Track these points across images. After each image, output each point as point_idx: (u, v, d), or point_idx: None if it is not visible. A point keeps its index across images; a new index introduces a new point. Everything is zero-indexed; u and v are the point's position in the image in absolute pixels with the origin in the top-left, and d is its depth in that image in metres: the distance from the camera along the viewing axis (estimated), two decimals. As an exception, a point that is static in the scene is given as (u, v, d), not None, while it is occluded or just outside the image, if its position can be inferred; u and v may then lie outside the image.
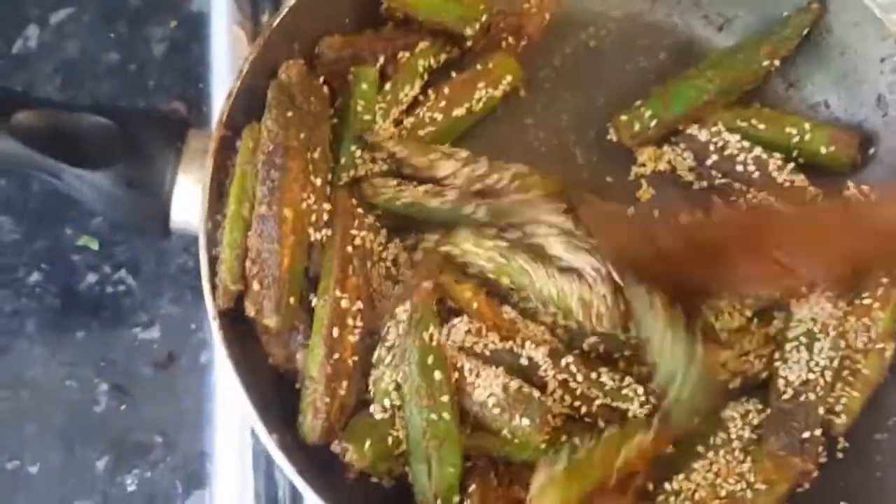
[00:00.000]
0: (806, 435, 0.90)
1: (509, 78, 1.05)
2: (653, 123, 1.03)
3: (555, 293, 0.92)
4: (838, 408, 0.94)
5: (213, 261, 0.87)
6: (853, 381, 0.95)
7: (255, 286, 0.86)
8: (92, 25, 1.24)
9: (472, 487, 0.86)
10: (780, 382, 0.93)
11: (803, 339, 0.93)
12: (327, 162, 0.94)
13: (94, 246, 1.11)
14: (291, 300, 0.88)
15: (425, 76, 1.04)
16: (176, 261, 1.11)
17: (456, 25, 1.03)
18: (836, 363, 0.94)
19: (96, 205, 0.91)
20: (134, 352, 1.07)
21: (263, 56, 0.95)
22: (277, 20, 0.96)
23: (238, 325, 0.87)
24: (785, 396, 0.92)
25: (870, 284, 0.97)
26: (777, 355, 0.95)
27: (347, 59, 1.00)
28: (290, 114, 0.91)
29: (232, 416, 1.03)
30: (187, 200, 0.90)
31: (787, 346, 0.94)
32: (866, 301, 0.96)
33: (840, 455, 0.95)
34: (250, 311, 0.87)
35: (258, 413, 0.82)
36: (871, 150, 1.03)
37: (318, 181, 0.92)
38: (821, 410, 0.92)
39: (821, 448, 0.91)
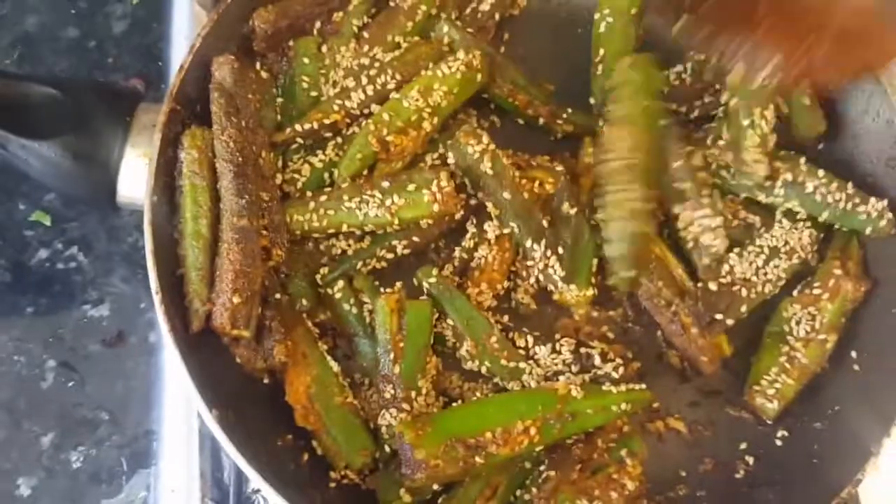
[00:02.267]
0: (718, 317, 0.96)
1: (423, 7, 1.04)
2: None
3: (387, 213, 0.94)
4: (771, 392, 0.95)
5: (159, 236, 0.87)
6: (789, 369, 0.96)
7: (236, 299, 0.86)
8: (53, 0, 1.23)
9: (551, 474, 0.89)
10: (724, 267, 0.98)
11: (766, 250, 0.98)
12: (273, 165, 0.96)
13: (47, 221, 1.11)
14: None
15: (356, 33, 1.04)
16: (127, 239, 1.10)
17: None
18: (779, 287, 0.98)
19: (43, 176, 0.90)
20: (83, 329, 1.07)
21: (217, 31, 0.95)
22: (231, -2, 0.96)
23: (180, 301, 0.87)
24: (722, 280, 0.97)
25: (821, 274, 0.98)
26: (736, 249, 0.99)
27: (285, 30, 1.00)
28: (235, 119, 0.91)
29: (179, 397, 1.03)
30: (134, 174, 0.90)
31: (750, 247, 0.99)
32: (816, 291, 0.98)
33: (779, 443, 0.96)
34: (226, 325, 0.86)
35: (198, 388, 0.81)
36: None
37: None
38: (743, 309, 0.97)
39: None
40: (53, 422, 1.03)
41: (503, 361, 0.94)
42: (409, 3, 1.03)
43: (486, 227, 0.98)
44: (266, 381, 0.92)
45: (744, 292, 0.97)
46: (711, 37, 0.93)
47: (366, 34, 1.02)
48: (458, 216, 0.98)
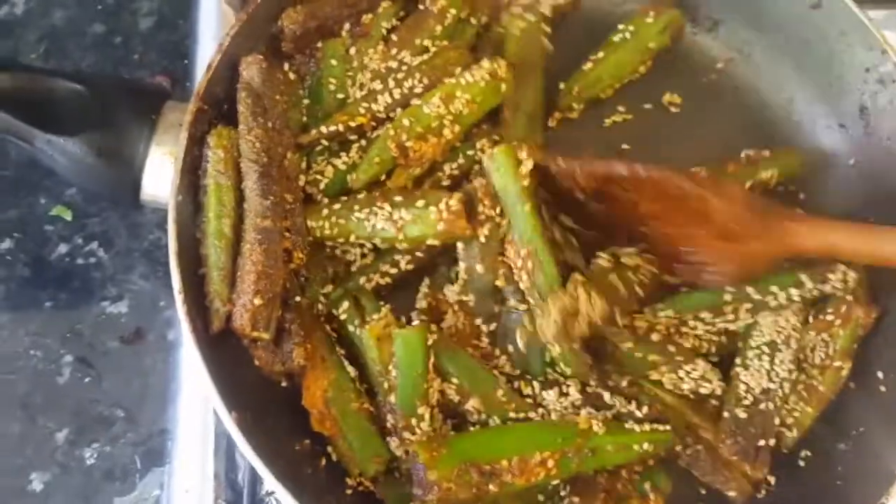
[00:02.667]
0: (761, 443, 0.91)
1: (453, 11, 1.03)
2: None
3: (393, 228, 0.92)
4: (790, 421, 0.94)
5: (183, 236, 0.86)
6: (807, 397, 0.95)
7: (257, 301, 0.85)
8: (80, -4, 1.23)
9: (574, 500, 0.88)
10: (741, 388, 0.93)
11: (766, 349, 0.93)
12: (297, 167, 0.95)
13: (68, 216, 1.10)
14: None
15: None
16: (148, 236, 1.10)
17: None
18: (794, 375, 0.94)
19: (67, 172, 0.90)
20: (101, 325, 1.06)
21: (246, 30, 0.94)
22: (262, -4, 0.95)
23: (201, 302, 0.87)
24: (745, 402, 0.92)
25: (833, 301, 0.97)
26: (738, 361, 0.94)
27: (314, 32, 0.99)
28: (262, 120, 0.91)
29: (196, 396, 1.02)
30: (159, 172, 0.90)
31: (749, 354, 0.94)
32: (829, 317, 0.96)
33: (801, 463, 0.95)
34: (246, 327, 0.85)
35: (217, 389, 0.81)
36: (851, 161, 1.04)
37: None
38: (776, 420, 0.92)
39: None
40: (69, 418, 1.02)
41: (512, 413, 0.91)
42: (438, 6, 1.02)
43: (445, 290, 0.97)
44: (284, 384, 0.91)
45: (770, 405, 0.92)
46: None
47: (394, 37, 1.02)
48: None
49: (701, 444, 0.92)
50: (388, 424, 0.89)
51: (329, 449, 0.91)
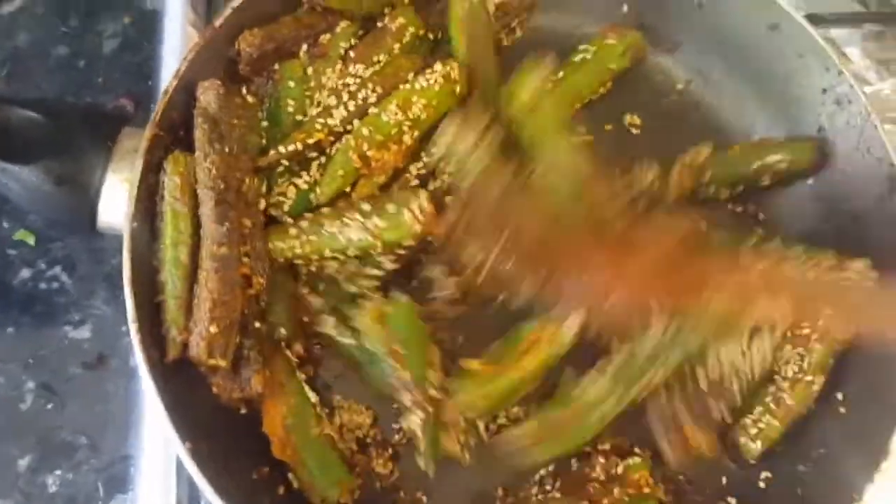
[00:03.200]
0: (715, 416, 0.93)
1: (412, 29, 1.03)
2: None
3: (369, 236, 0.93)
4: (754, 431, 0.94)
5: (138, 263, 0.86)
6: (775, 410, 0.95)
7: (213, 329, 0.85)
8: (44, 17, 1.22)
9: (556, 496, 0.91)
10: (712, 359, 0.93)
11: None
12: (257, 190, 0.95)
13: (31, 241, 1.10)
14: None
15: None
16: (111, 261, 1.09)
17: (377, 8, 1.03)
18: (768, 364, 0.95)
19: (23, 200, 0.90)
20: (64, 351, 1.06)
21: (204, 55, 0.94)
22: (220, 20, 0.95)
23: (157, 330, 0.86)
24: (712, 375, 0.93)
25: (812, 316, 0.96)
26: None
27: (271, 54, 0.99)
28: (219, 146, 0.90)
29: (157, 422, 1.00)
30: (115, 199, 0.89)
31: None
32: (805, 331, 0.96)
33: (762, 485, 0.95)
34: (202, 355, 0.84)
35: (171, 419, 0.80)
36: (809, 181, 1.04)
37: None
38: (738, 400, 0.94)
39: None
40: (31, 445, 1.01)
41: None
42: (396, 25, 1.02)
43: None
44: (244, 411, 0.91)
45: (735, 386, 0.94)
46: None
47: (352, 54, 1.02)
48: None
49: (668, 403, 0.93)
50: (407, 402, 0.90)
51: (290, 476, 0.90)
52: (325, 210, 0.96)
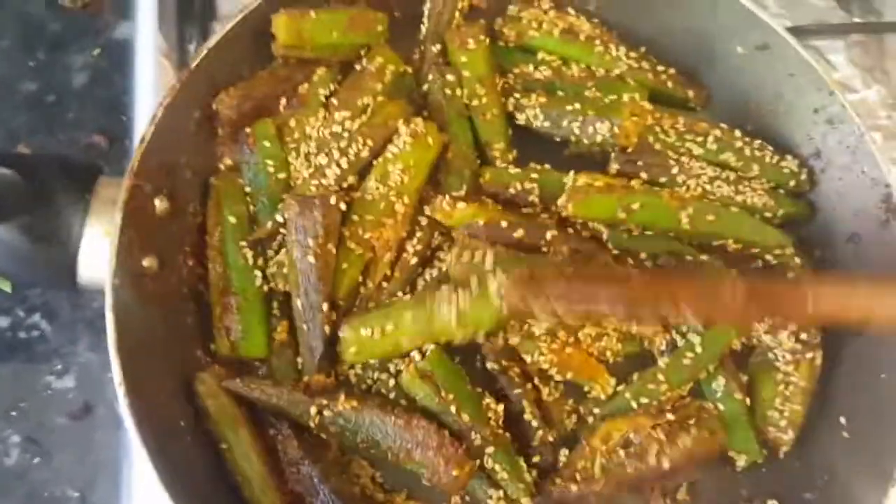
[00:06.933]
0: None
1: (391, 67, 1.01)
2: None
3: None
4: (783, 423, 0.95)
5: (122, 324, 0.83)
6: (791, 395, 0.95)
7: None
8: (9, 51, 1.18)
9: None
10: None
11: None
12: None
13: (7, 288, 1.06)
14: None
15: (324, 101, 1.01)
16: (92, 304, 1.06)
17: (352, 54, 1.01)
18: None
19: (-2, 259, 0.86)
20: (47, 401, 1.03)
21: (180, 99, 0.91)
22: (196, 61, 0.92)
23: (147, 393, 0.83)
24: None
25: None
26: None
27: (250, 112, 0.96)
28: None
29: (148, 472, 0.98)
30: (95, 254, 0.86)
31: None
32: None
33: (768, 514, 0.94)
34: None
35: (165, 486, 0.78)
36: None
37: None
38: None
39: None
40: (20, 501, 0.99)
41: None
42: (376, 65, 1.00)
43: None
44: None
45: None
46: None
47: (335, 101, 0.99)
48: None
49: None
50: (476, 443, 0.90)
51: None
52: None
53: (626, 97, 1.01)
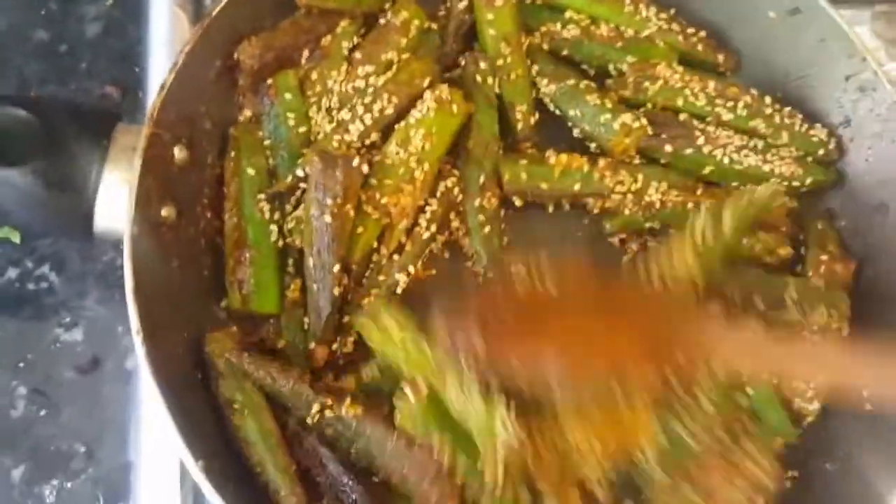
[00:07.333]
0: None
1: (416, 22, 0.99)
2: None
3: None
4: (809, 394, 0.93)
5: (141, 272, 0.81)
6: None
7: None
8: (20, 0, 1.15)
9: None
10: None
11: None
12: None
13: (16, 239, 1.04)
14: None
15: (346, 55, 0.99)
16: (102, 258, 1.04)
17: (376, 6, 1.00)
18: None
19: (12, 204, 0.84)
20: (55, 354, 1.01)
21: (201, 47, 0.89)
22: (218, 7, 0.90)
23: (162, 343, 0.82)
24: None
25: (812, 265, 0.97)
26: None
27: (272, 63, 0.95)
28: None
29: (158, 427, 0.97)
30: (113, 202, 0.84)
31: None
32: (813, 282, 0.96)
33: (788, 484, 0.93)
34: None
35: (183, 438, 0.77)
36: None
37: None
38: None
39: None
40: (25, 454, 0.97)
41: None
42: (401, 19, 0.98)
43: None
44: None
45: None
46: None
47: (358, 55, 0.97)
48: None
49: None
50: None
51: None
52: None
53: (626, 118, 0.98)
